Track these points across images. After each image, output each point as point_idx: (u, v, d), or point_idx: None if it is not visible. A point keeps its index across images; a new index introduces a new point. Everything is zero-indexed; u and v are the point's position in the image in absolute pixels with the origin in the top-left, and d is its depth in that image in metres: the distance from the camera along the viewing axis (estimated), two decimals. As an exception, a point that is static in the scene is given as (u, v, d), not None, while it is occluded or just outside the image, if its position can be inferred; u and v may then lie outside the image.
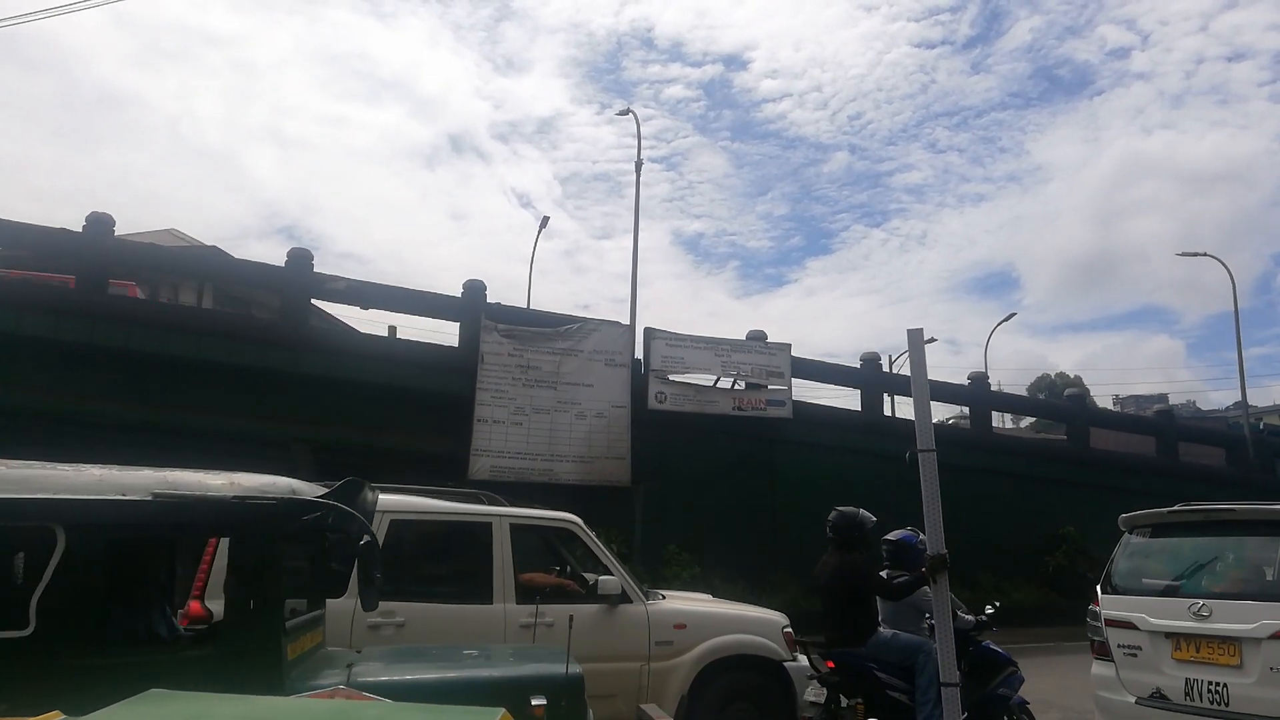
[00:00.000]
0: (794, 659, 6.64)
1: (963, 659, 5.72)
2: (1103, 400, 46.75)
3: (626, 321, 16.82)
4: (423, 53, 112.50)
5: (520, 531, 6.38)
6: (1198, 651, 5.31)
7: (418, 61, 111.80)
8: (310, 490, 3.65)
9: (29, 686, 2.60)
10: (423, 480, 7.02)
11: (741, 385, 17.13)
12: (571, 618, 4.64)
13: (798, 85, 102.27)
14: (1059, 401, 26.39)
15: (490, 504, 6.58)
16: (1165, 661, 5.47)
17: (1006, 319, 49.10)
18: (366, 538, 3.48)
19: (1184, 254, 28.62)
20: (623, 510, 15.21)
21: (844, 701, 5.64)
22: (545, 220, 26.09)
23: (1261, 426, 25.12)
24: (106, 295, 13.79)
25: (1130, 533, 6.31)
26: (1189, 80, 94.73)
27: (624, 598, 6.34)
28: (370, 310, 16.22)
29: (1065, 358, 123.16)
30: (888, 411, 21.09)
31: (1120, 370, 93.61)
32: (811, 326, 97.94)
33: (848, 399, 20.79)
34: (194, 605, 5.23)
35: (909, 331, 5.73)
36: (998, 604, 6.50)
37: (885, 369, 23.78)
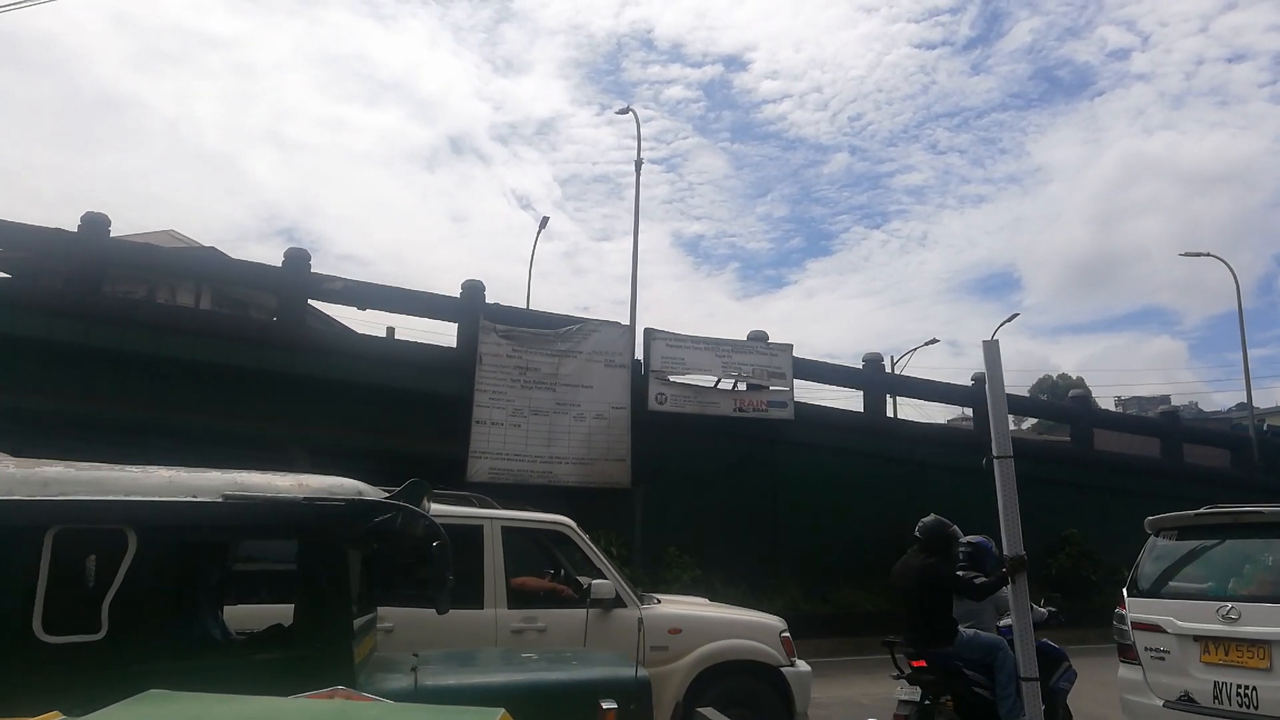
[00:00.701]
0: (791, 664, 6.52)
1: None
2: (1104, 401, 46.54)
3: (626, 322, 16.72)
4: (422, 54, 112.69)
5: (512, 534, 6.26)
6: (1226, 654, 5.29)
7: (417, 63, 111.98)
8: (375, 492, 3.61)
9: (102, 692, 2.50)
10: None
11: (743, 386, 17.00)
12: (641, 619, 4.49)
13: (798, 86, 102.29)
14: (1064, 403, 26.26)
15: (481, 506, 6.46)
16: (1193, 665, 5.45)
17: (1009, 320, 48.71)
18: (437, 540, 3.44)
19: (1187, 254, 28.42)
20: (623, 512, 15.08)
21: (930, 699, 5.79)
22: (545, 221, 25.98)
23: (1265, 428, 24.95)
24: (101, 296, 13.70)
25: (1156, 535, 6.29)
26: (1189, 81, 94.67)
27: (618, 602, 6.21)
28: (368, 311, 16.12)
29: (1067, 359, 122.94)
30: (890, 413, 21.00)
31: (1122, 371, 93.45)
32: (812, 328, 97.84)
33: (849, 400, 20.66)
34: None
35: (984, 344, 5.89)
36: (1055, 601, 6.55)
37: (887, 370, 23.67)
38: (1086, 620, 12.84)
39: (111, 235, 14.39)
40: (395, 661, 3.93)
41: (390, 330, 20.21)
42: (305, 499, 3.31)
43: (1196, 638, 5.45)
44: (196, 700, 2.12)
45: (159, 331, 13.33)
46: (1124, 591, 6.22)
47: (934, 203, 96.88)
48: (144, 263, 16.79)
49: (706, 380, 16.82)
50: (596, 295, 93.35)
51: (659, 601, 6.86)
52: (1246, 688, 5.12)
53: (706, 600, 8.21)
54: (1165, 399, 49.48)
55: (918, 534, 6.28)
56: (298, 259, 14.92)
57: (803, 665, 6.61)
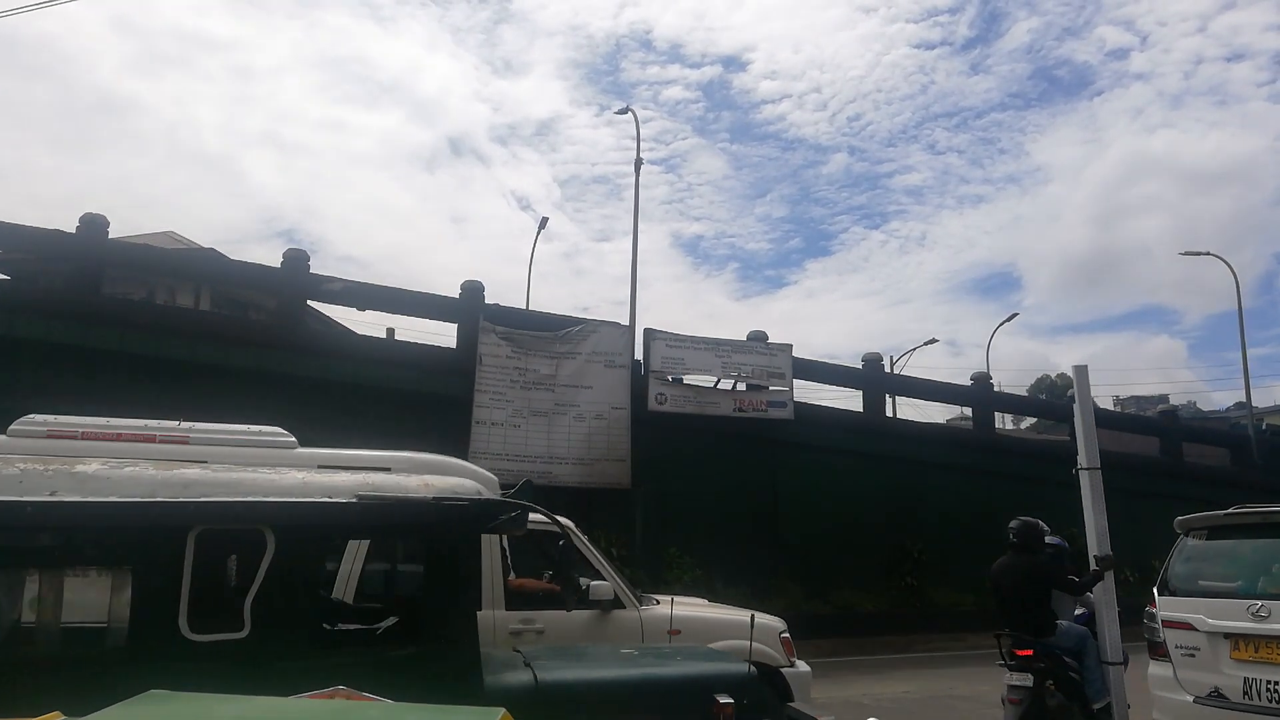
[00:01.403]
0: (791, 664, 6.51)
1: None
2: (1103, 401, 46.50)
3: (626, 323, 16.71)
4: (421, 56, 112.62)
5: (510, 535, 6.24)
6: (1256, 652, 5.43)
7: (416, 65, 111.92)
8: (489, 492, 3.69)
9: (247, 690, 2.53)
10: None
11: (742, 386, 17.00)
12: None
13: (797, 87, 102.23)
14: (1062, 402, 26.25)
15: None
16: (1224, 661, 5.58)
17: (1008, 319, 48.89)
18: (563, 539, 3.52)
19: (1186, 253, 28.47)
20: (623, 513, 15.07)
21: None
22: (544, 221, 25.95)
23: (1264, 427, 24.94)
24: (101, 297, 13.68)
25: (1186, 535, 6.45)
26: (1188, 81, 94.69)
27: (617, 603, 6.19)
28: (368, 312, 16.12)
29: (1066, 358, 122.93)
30: (889, 413, 20.99)
31: (1121, 371, 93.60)
32: (811, 328, 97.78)
33: (849, 400, 20.66)
34: None
35: (1075, 368, 6.67)
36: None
37: (886, 369, 23.66)
38: (1087, 619, 12.82)
39: (111, 237, 14.39)
40: (504, 658, 3.95)
41: (390, 331, 20.20)
42: (434, 499, 3.39)
43: (1226, 635, 5.59)
44: (196, 700, 2.12)
45: (158, 333, 13.32)
46: (1154, 590, 6.41)
47: (933, 203, 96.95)
48: (143, 264, 16.78)
49: (706, 380, 16.82)
50: (596, 296, 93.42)
51: (658, 602, 6.84)
52: (1276, 684, 5.27)
53: (705, 601, 8.20)
54: (1164, 398, 49.45)
55: (1013, 536, 6.83)
56: (297, 260, 14.91)
57: (803, 666, 6.60)
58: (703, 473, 15.88)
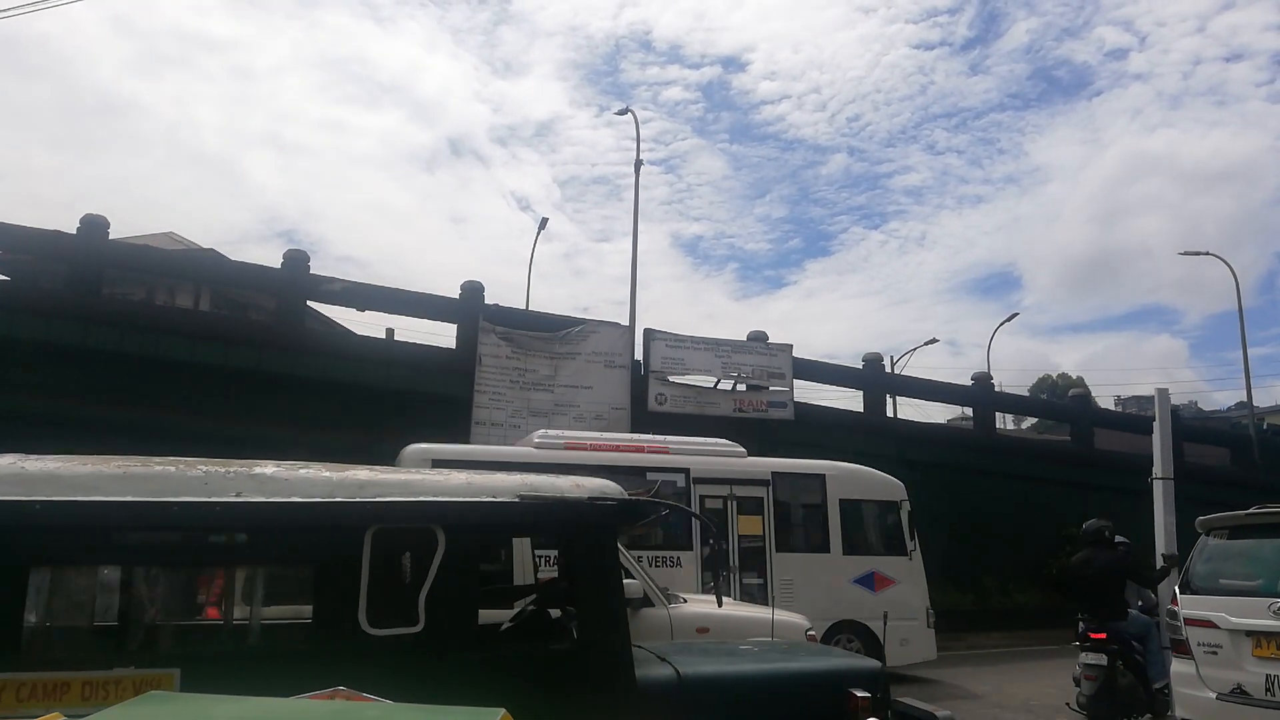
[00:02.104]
0: None
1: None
2: (1104, 401, 46.52)
3: (626, 323, 16.71)
4: (421, 57, 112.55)
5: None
6: (1278, 649, 5.52)
7: (416, 66, 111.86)
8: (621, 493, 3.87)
9: (422, 684, 2.64)
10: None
11: (742, 387, 16.99)
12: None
13: (796, 87, 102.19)
14: (1063, 402, 26.25)
15: None
16: (1246, 659, 5.67)
17: (1009, 319, 48.81)
18: (712, 537, 3.63)
19: (1186, 253, 28.56)
20: (622, 513, 15.05)
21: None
22: (544, 222, 25.97)
23: (1265, 426, 24.94)
24: (100, 298, 13.68)
25: (1207, 535, 6.55)
26: (1187, 81, 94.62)
27: (646, 601, 6.20)
28: (367, 312, 16.13)
29: (1067, 358, 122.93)
30: (890, 413, 20.98)
31: (1122, 370, 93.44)
32: (811, 328, 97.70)
33: (849, 400, 20.66)
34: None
35: (1157, 390, 8.27)
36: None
37: (887, 369, 23.65)
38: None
39: (110, 238, 14.39)
40: (637, 654, 4.02)
41: (389, 331, 20.17)
42: (589, 498, 3.53)
43: (1248, 633, 5.67)
44: (196, 700, 2.15)
45: (158, 333, 13.32)
46: (1175, 589, 6.49)
47: (932, 203, 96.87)
48: (143, 264, 16.78)
49: (706, 381, 16.82)
50: (596, 296, 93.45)
51: (685, 601, 6.84)
52: None
53: (731, 599, 8.20)
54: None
55: (1089, 535, 7.72)
56: (297, 261, 14.91)
57: None
58: (703, 473, 15.86)
